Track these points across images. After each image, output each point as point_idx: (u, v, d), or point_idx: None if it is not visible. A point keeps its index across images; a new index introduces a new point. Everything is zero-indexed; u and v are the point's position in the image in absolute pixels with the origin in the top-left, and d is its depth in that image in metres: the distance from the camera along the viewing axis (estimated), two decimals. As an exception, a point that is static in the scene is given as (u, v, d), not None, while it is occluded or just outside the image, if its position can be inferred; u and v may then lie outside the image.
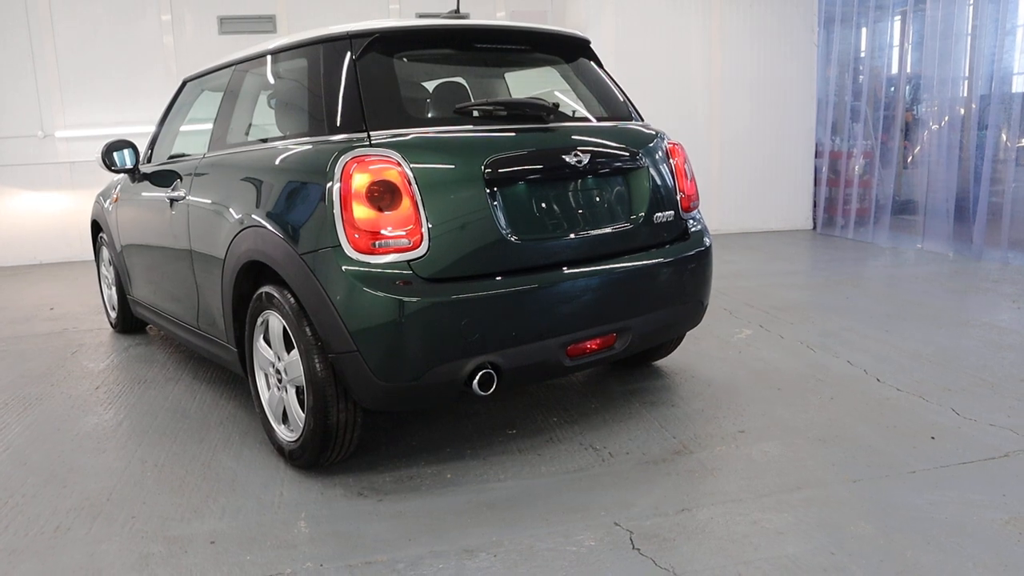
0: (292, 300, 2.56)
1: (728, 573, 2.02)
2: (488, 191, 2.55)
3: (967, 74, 6.48)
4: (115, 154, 3.92)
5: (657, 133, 3.17)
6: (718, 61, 7.66)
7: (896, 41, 7.97)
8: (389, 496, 2.54)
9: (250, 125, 3.26)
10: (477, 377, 2.50)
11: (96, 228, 4.81)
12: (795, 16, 7.70)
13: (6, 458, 2.95)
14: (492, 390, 2.54)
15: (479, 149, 2.60)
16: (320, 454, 2.62)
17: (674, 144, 3.19)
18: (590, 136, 2.89)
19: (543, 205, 2.68)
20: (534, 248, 2.64)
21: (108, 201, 4.43)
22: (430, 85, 2.94)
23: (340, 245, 2.40)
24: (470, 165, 2.55)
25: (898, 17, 7.93)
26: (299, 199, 2.55)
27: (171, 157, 3.91)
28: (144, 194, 3.87)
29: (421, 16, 2.96)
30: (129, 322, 4.63)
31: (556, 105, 2.86)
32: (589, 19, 7.09)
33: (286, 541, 2.28)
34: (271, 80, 3.14)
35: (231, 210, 2.89)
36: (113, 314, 4.76)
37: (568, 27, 6.79)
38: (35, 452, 3.00)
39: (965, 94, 6.44)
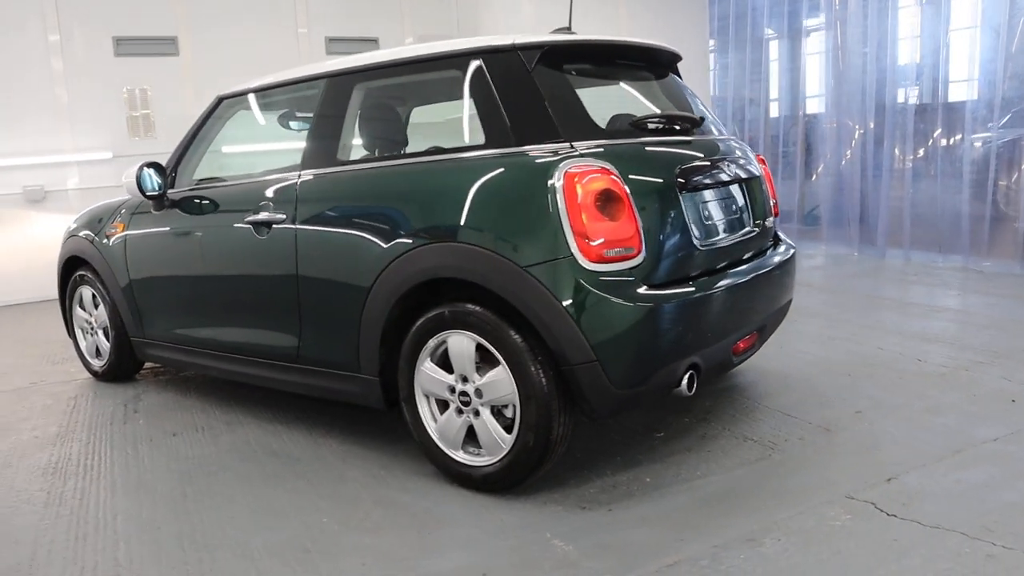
0: (492, 315, 2.52)
1: (974, 523, 2.28)
2: (680, 199, 2.66)
3: (871, 89, 7.29)
4: (147, 177, 3.56)
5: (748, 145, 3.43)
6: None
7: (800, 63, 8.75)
8: (614, 505, 2.56)
9: (377, 140, 3.11)
10: (686, 378, 2.60)
11: (71, 265, 4.28)
12: (689, 37, 8.21)
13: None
14: (694, 390, 2.65)
15: (670, 159, 2.71)
16: (531, 473, 2.58)
17: (759, 154, 3.47)
18: (724, 147, 3.08)
19: (710, 212, 2.84)
20: (710, 252, 2.78)
21: (104, 233, 3.97)
22: (592, 96, 2.98)
23: (572, 255, 2.41)
24: (666, 174, 2.65)
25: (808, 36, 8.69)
26: (511, 211, 2.51)
27: (208, 179, 3.62)
28: (188, 220, 3.53)
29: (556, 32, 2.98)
30: (125, 367, 4.16)
31: (702, 119, 3.03)
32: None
33: (561, 561, 2.25)
34: (402, 92, 3.03)
35: (386, 230, 2.75)
36: (99, 361, 4.25)
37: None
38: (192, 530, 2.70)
39: (866, 110, 7.28)
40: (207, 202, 3.49)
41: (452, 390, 2.68)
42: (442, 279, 2.65)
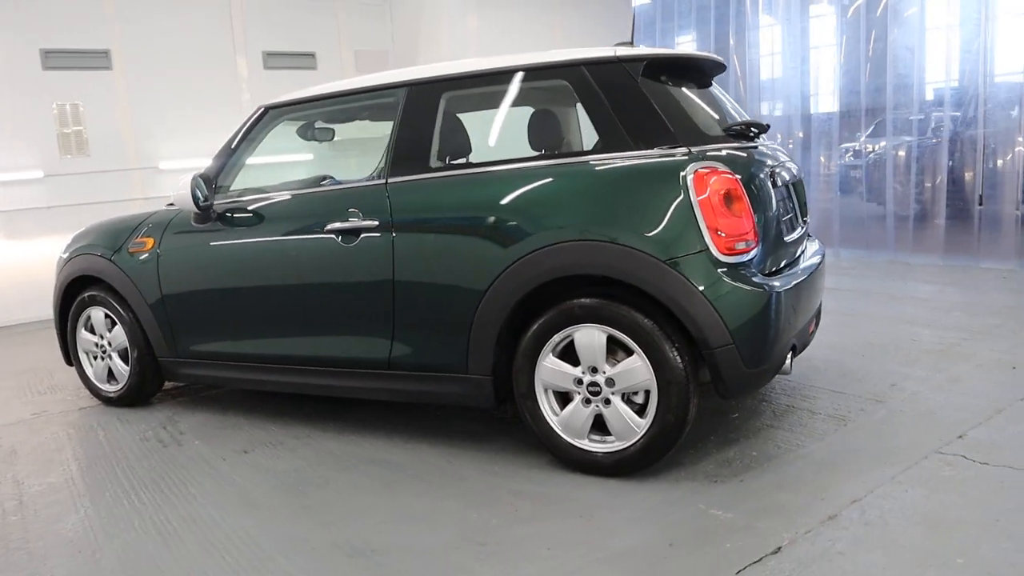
0: (626, 308, 2.69)
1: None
2: (772, 198, 2.94)
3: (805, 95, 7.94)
4: (200, 188, 3.45)
5: None
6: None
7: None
8: (743, 476, 2.78)
9: (476, 145, 3.18)
10: (789, 356, 2.88)
11: (75, 287, 4.03)
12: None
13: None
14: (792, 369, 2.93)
15: (761, 161, 2.98)
16: (664, 453, 2.76)
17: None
18: (777, 152, 3.39)
19: (783, 210, 3.13)
20: (788, 246, 3.08)
21: (125, 249, 3.78)
22: (685, 104, 3.17)
23: (708, 248, 2.62)
24: (763, 175, 2.92)
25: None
26: (647, 210, 2.67)
27: (255, 190, 3.56)
28: (244, 231, 3.45)
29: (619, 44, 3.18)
30: (147, 391, 3.97)
31: (768, 126, 3.32)
32: (454, 55, 7.38)
33: (730, 527, 2.44)
34: (499, 100, 3.13)
35: (505, 233, 2.85)
36: (112, 386, 4.02)
37: (425, 63, 7.06)
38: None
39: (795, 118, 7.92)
40: (269, 213, 3.42)
41: (579, 382, 2.81)
42: (553, 279, 2.79)
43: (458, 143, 3.18)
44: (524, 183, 2.90)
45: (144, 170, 6.82)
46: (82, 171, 6.55)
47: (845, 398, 3.47)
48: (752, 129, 3.13)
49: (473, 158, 3.17)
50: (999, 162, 6.01)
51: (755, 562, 2.24)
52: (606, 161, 2.81)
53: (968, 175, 6.32)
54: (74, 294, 4.10)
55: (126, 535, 2.67)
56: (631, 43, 3.38)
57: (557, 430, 2.88)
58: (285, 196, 3.47)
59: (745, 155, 2.91)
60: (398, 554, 2.42)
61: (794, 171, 3.46)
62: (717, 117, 3.08)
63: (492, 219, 2.90)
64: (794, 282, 2.89)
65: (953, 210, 6.40)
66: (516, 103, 3.16)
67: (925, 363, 3.89)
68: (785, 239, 3.08)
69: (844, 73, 7.05)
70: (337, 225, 3.17)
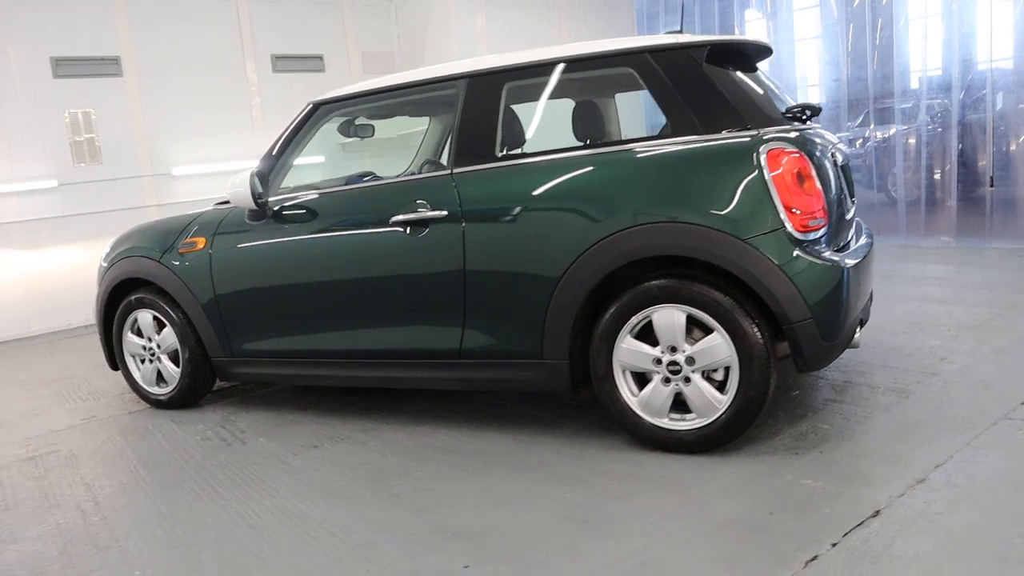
0: (705, 287, 2.75)
1: None
2: (834, 177, 3.01)
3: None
4: (257, 186, 3.46)
5: None
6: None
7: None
8: (822, 447, 2.84)
9: (544, 134, 3.22)
10: (858, 330, 2.95)
11: (120, 291, 4.02)
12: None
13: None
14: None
15: (823, 143, 3.05)
16: (746, 428, 2.82)
17: None
18: (825, 133, 3.46)
19: (839, 189, 3.20)
20: (848, 224, 3.16)
21: (175, 250, 3.78)
22: (746, 88, 3.22)
23: (784, 227, 2.69)
24: (826, 155, 2.99)
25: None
26: (724, 191, 2.72)
27: (309, 186, 3.58)
28: (303, 227, 3.45)
29: (670, 32, 3.24)
30: (199, 391, 3.96)
31: (820, 108, 3.39)
32: (464, 54, 7.43)
33: (824, 494, 2.50)
34: (563, 88, 3.17)
35: (581, 218, 2.88)
36: (161, 388, 4.01)
37: (433, 63, 7.09)
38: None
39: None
40: (328, 208, 3.44)
41: (658, 361, 2.86)
42: (628, 262, 2.84)
43: (520, 132, 3.22)
44: (594, 171, 2.94)
45: (157, 176, 6.78)
46: (95, 179, 6.50)
47: (899, 372, 3.55)
48: (807, 111, 3.20)
49: (532, 147, 3.20)
50: (1011, 145, 6.16)
51: (858, 525, 2.30)
52: (679, 145, 2.86)
53: (979, 158, 6.46)
54: (118, 299, 4.08)
55: (216, 529, 2.67)
56: (680, 31, 3.44)
57: (636, 410, 2.93)
58: (343, 191, 3.49)
59: (809, 136, 2.98)
60: (502, 535, 2.45)
61: (844, 152, 3.53)
62: (774, 100, 3.14)
63: (566, 206, 2.94)
64: (860, 258, 2.96)
65: (964, 192, 6.54)
66: (581, 91, 3.20)
67: (967, 338, 3.98)
68: (849, 216, 3.15)
69: (852, 60, 7.18)
70: (404, 217, 3.19)
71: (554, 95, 3.32)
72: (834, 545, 2.21)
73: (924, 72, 6.96)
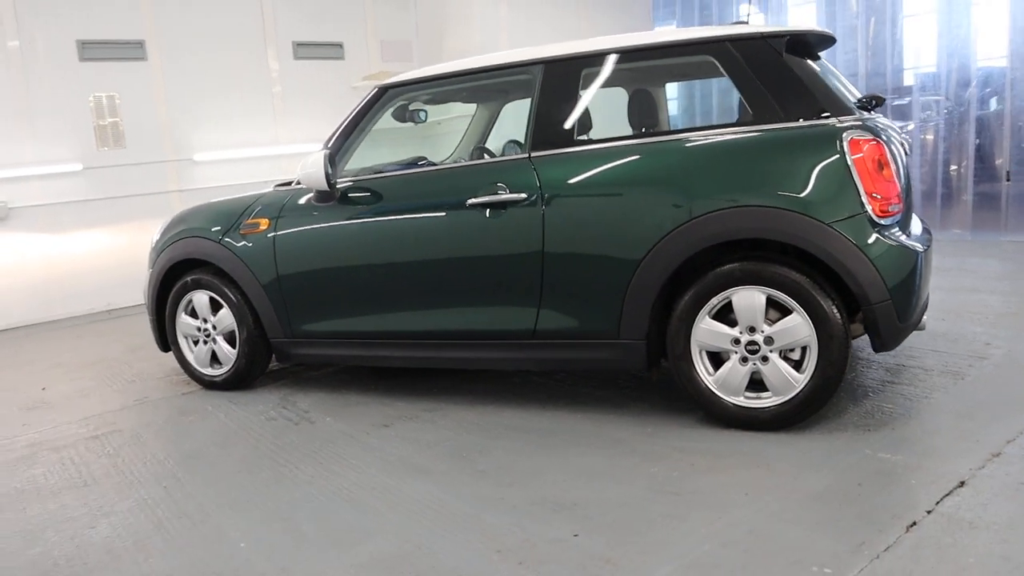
0: (787, 269, 2.84)
1: None
2: (903, 165, 3.11)
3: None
4: (328, 168, 3.48)
5: None
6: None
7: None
8: (893, 425, 2.95)
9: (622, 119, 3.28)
10: (925, 313, 3.06)
11: (174, 272, 4.04)
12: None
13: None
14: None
15: (893, 132, 3.16)
16: (822, 406, 2.91)
17: None
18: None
19: (908, 178, 3.30)
20: (910, 211, 3.27)
21: (236, 230, 3.80)
22: (821, 77, 3.29)
23: (866, 211, 2.78)
24: (897, 144, 3.09)
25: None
26: (809, 176, 2.80)
27: (376, 168, 3.63)
28: (375, 208, 3.50)
29: (737, 23, 3.32)
30: (256, 372, 3.99)
31: (884, 98, 3.48)
32: (484, 45, 7.46)
33: (905, 467, 2.60)
34: (643, 75, 3.24)
35: (663, 202, 2.95)
36: (215, 370, 4.04)
37: (453, 54, 7.14)
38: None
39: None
40: (401, 190, 3.49)
41: (736, 341, 2.94)
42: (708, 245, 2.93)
43: (594, 118, 3.28)
44: (682, 156, 3.02)
45: (180, 162, 6.76)
46: (119, 163, 6.47)
47: (949, 356, 3.67)
48: (873, 101, 3.30)
49: (607, 133, 3.27)
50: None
51: (947, 495, 2.40)
52: (763, 131, 2.95)
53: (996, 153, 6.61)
54: (171, 280, 4.09)
55: (310, 504, 2.72)
56: (746, 22, 3.52)
57: (713, 388, 3.01)
58: (415, 173, 3.54)
59: (882, 126, 3.07)
60: (601, 506, 2.52)
61: (905, 142, 3.64)
62: (844, 89, 3.24)
63: (649, 190, 3.01)
64: (928, 244, 3.07)
65: (980, 187, 6.69)
66: (661, 78, 3.27)
67: (1007, 324, 4.12)
68: (911, 207, 3.26)
69: (872, 55, 7.32)
70: (481, 199, 3.25)
71: (627, 83, 3.39)
72: (928, 512, 2.31)
73: (939, 67, 7.11)
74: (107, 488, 2.98)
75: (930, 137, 7.01)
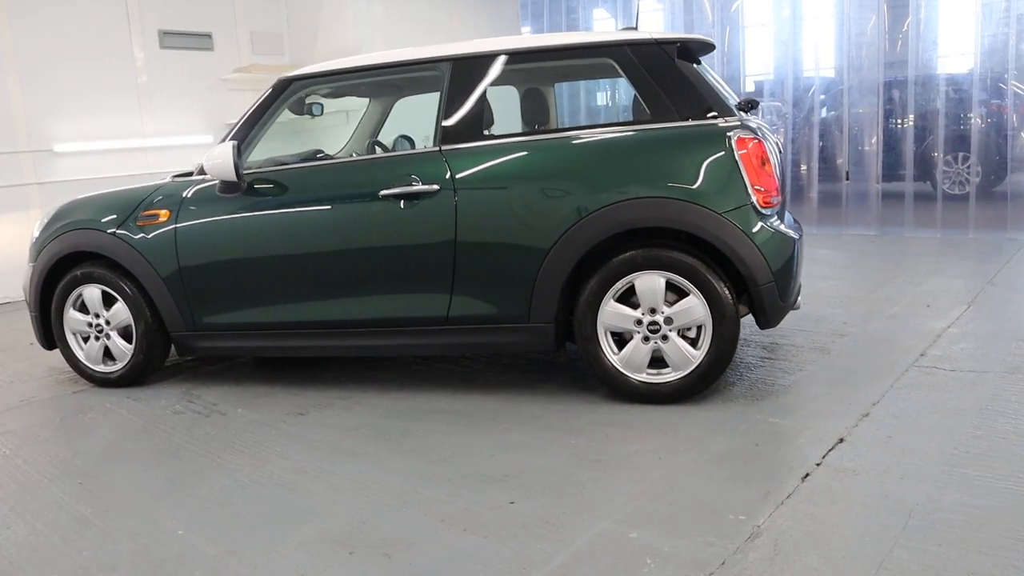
0: (684, 255, 3.13)
1: (1004, 364, 3.44)
2: (777, 161, 3.49)
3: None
4: (235, 159, 3.46)
5: None
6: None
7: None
8: (775, 395, 3.30)
9: (530, 115, 3.44)
10: (800, 295, 3.45)
11: (60, 266, 3.86)
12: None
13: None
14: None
15: (767, 131, 3.52)
16: (716, 379, 3.23)
17: None
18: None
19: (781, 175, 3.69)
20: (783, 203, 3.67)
21: (132, 222, 3.69)
22: (707, 80, 3.58)
23: (752, 202, 3.12)
24: (774, 142, 3.46)
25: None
26: (702, 170, 3.10)
27: (279, 159, 3.65)
28: (283, 199, 3.51)
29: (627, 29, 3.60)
30: (153, 367, 3.89)
31: (759, 101, 3.86)
32: (360, 42, 7.46)
33: (792, 428, 2.95)
34: (546, 74, 3.43)
35: (570, 194, 3.16)
36: (108, 366, 3.89)
37: (327, 49, 7.15)
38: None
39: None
40: (311, 181, 3.52)
41: (638, 322, 3.21)
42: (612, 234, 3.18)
43: (499, 114, 3.47)
44: (583, 151, 3.26)
45: (36, 153, 6.36)
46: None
47: (814, 335, 4.12)
48: (750, 104, 3.67)
49: (509, 129, 3.47)
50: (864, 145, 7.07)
51: (830, 450, 2.75)
52: (659, 129, 3.23)
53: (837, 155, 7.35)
54: (57, 275, 3.91)
55: (244, 490, 2.73)
56: (635, 28, 3.81)
57: (619, 367, 3.26)
58: (325, 165, 3.59)
59: (761, 126, 3.43)
60: (531, 475, 2.70)
61: (778, 142, 4.05)
62: (725, 91, 3.58)
63: (556, 182, 3.23)
64: (801, 233, 3.46)
65: (823, 185, 7.41)
66: (562, 78, 3.49)
67: (858, 306, 4.65)
68: (784, 200, 3.65)
69: (728, 61, 7.92)
70: (393, 191, 3.35)
71: (530, 81, 3.59)
72: (818, 465, 2.65)
73: (777, 75, 7.82)
74: (12, 489, 2.86)
75: (780, 140, 7.69)
